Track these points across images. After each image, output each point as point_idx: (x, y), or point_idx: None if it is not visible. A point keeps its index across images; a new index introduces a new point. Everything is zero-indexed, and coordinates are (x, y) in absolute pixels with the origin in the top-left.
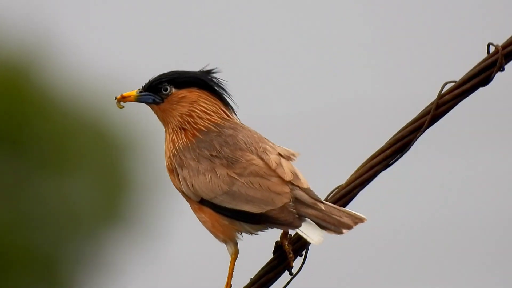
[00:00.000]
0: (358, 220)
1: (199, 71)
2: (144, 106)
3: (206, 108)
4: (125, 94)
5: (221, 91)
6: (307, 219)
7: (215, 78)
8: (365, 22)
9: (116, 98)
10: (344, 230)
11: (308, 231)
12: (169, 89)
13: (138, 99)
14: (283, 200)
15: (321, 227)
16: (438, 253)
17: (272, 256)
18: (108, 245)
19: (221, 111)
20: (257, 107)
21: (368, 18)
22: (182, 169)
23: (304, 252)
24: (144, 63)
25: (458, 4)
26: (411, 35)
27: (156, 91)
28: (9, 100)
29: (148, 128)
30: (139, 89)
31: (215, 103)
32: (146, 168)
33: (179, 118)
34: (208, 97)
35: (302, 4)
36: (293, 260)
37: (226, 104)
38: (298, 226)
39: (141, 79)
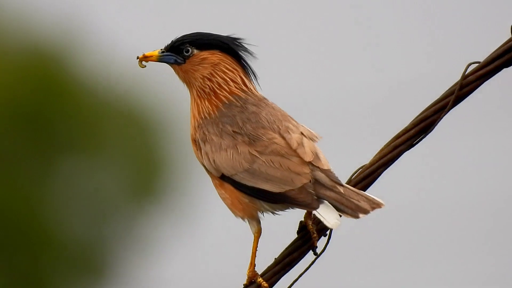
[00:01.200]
0: (375, 205)
1: (224, 35)
2: (172, 84)
3: (227, 73)
4: (147, 53)
5: (244, 57)
6: (325, 201)
7: (240, 44)
8: (391, 2)
9: (138, 58)
10: (360, 215)
11: (325, 213)
12: (190, 50)
13: (160, 59)
14: (302, 181)
15: (338, 210)
16: (462, 233)
17: (296, 236)
18: (141, 225)
19: (240, 78)
20: (281, 84)
21: None
22: (205, 143)
23: (328, 232)
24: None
25: None
26: (436, 15)
27: (178, 51)
28: (40, 84)
29: (178, 108)
30: (161, 49)
31: (236, 69)
32: (177, 147)
33: (200, 80)
34: (230, 62)
35: None
36: (317, 240)
37: (248, 73)
38: (315, 208)
39: None
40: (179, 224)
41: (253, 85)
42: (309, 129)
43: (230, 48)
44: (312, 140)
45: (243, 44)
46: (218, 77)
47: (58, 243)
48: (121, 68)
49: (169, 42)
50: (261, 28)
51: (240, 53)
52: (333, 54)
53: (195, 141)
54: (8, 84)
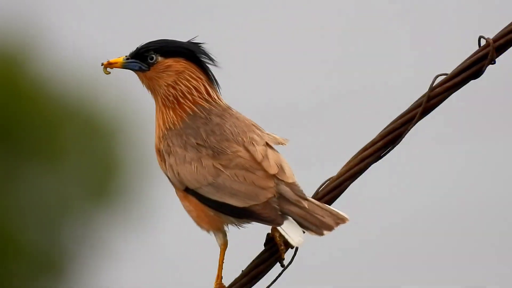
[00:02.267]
0: (340, 220)
1: (188, 42)
2: (134, 89)
3: (190, 81)
4: (111, 60)
5: (207, 65)
6: (290, 217)
7: (204, 51)
8: (359, 11)
9: (102, 64)
10: (325, 232)
11: (289, 230)
12: (155, 57)
13: (125, 65)
14: (266, 195)
15: (303, 226)
16: (428, 245)
17: (263, 248)
18: (101, 229)
19: (204, 87)
20: (247, 93)
21: (362, 7)
22: (169, 155)
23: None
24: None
25: None
26: (403, 27)
27: (143, 59)
28: (0, 91)
29: (138, 112)
30: (126, 56)
31: (200, 78)
32: (136, 152)
33: (165, 88)
34: (194, 70)
35: None
36: (285, 252)
37: (212, 81)
38: (280, 224)
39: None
40: (137, 226)
41: (217, 94)
42: (274, 135)
43: (195, 56)
44: (280, 144)
45: (206, 51)
46: (182, 85)
47: (18, 247)
48: (80, 72)
49: (134, 49)
50: (220, 34)
51: (204, 60)
52: (300, 62)
53: (159, 151)
54: None
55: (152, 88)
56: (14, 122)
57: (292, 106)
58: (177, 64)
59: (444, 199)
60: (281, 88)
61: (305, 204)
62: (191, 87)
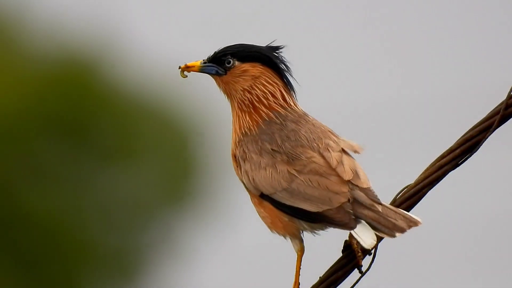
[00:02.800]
0: (412, 223)
1: (266, 47)
2: (211, 91)
3: (267, 86)
4: (189, 64)
5: (285, 71)
6: (363, 220)
7: (281, 56)
8: (434, 15)
9: (180, 68)
10: (397, 234)
11: (361, 233)
12: (232, 61)
13: (202, 69)
14: (340, 200)
15: (375, 229)
16: (508, 251)
17: (341, 254)
18: (178, 231)
19: (280, 92)
20: (323, 99)
21: (438, 11)
22: (244, 162)
23: (373, 251)
24: (207, 50)
25: None
26: (483, 32)
27: (220, 63)
28: (75, 93)
29: (214, 114)
30: (203, 60)
31: (276, 83)
32: (213, 153)
33: (241, 92)
34: (271, 75)
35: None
36: (362, 259)
37: (288, 86)
38: (353, 228)
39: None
40: (215, 228)
41: (293, 100)
42: (350, 142)
43: (272, 61)
44: (355, 152)
45: (283, 57)
46: (258, 90)
47: (93, 248)
48: (155, 74)
49: (212, 53)
50: (299, 40)
51: (281, 66)
52: (378, 69)
53: (235, 157)
54: (44, 93)
55: (228, 92)
56: (91, 124)
57: (372, 111)
58: (254, 69)
59: None
60: (361, 92)
61: (379, 207)
62: (267, 92)
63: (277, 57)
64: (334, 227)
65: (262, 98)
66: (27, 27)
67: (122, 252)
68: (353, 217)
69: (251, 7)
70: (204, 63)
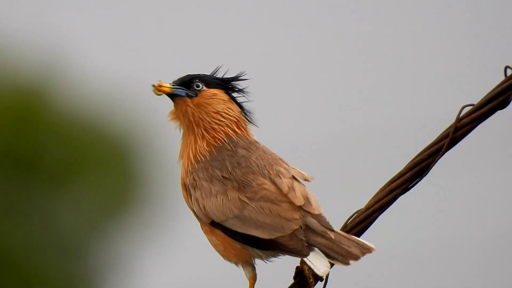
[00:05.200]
0: (366, 250)
1: (226, 77)
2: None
3: (231, 112)
4: (162, 84)
5: (243, 101)
6: (316, 248)
7: (239, 85)
8: (384, 44)
9: (153, 86)
10: (351, 261)
11: (315, 261)
12: (200, 85)
13: (173, 91)
14: (292, 227)
15: (329, 256)
16: (457, 276)
17: (292, 281)
18: (122, 249)
19: (237, 120)
20: (273, 127)
21: (388, 40)
22: (195, 189)
23: (324, 277)
24: (154, 76)
25: (476, 27)
26: (429, 58)
27: (188, 87)
28: (23, 122)
29: (155, 134)
30: (171, 83)
31: (238, 110)
32: (156, 170)
33: (213, 114)
34: (232, 102)
35: (318, 29)
36: (314, 285)
37: (244, 114)
38: (306, 255)
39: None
40: (159, 246)
41: (247, 128)
42: (300, 170)
43: (230, 89)
44: (305, 180)
45: (241, 86)
46: (227, 112)
47: (47, 277)
48: (101, 97)
49: (177, 78)
50: (254, 68)
51: (239, 94)
52: (326, 97)
53: (185, 186)
54: None
55: (195, 115)
56: (38, 150)
57: (318, 139)
58: (221, 94)
59: (472, 230)
60: (306, 123)
61: (331, 235)
62: (231, 117)
63: (236, 86)
64: (287, 254)
65: (228, 123)
66: None
67: (75, 276)
68: (306, 244)
69: (204, 34)
70: (173, 85)
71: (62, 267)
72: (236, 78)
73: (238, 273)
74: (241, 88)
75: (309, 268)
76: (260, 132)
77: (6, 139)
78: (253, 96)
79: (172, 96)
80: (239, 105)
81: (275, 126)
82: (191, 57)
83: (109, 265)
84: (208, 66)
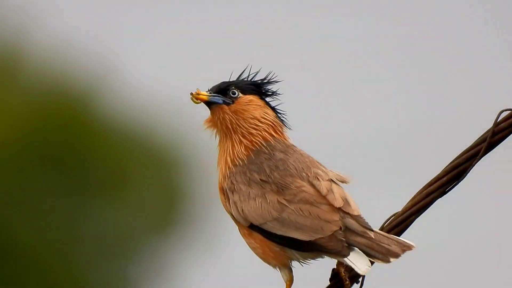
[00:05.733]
0: (406, 248)
1: (260, 81)
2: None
3: (269, 116)
4: (200, 92)
5: (276, 107)
6: (356, 248)
7: (273, 90)
8: (423, 46)
9: (191, 94)
10: (391, 259)
11: (355, 260)
12: (236, 92)
13: (210, 99)
14: (332, 228)
15: (369, 255)
16: (498, 278)
17: (328, 283)
18: (166, 261)
19: (273, 124)
20: (308, 129)
21: (427, 40)
22: (233, 193)
23: (360, 279)
24: (193, 84)
25: None
26: (468, 60)
27: (224, 94)
28: (67, 125)
29: (199, 144)
30: (208, 91)
31: (273, 115)
32: (200, 182)
33: (250, 120)
34: (267, 107)
35: (353, 30)
36: (350, 287)
37: (279, 118)
38: (346, 255)
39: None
40: (202, 257)
41: (283, 132)
42: (338, 172)
43: (264, 93)
44: (343, 182)
45: (274, 91)
46: (264, 118)
47: (85, 283)
48: (146, 107)
49: (213, 86)
50: (286, 69)
51: (272, 98)
52: (362, 96)
53: (222, 190)
54: (36, 124)
55: (233, 121)
56: (82, 156)
57: (359, 140)
58: (257, 99)
59: (508, 233)
60: (348, 121)
61: (371, 234)
62: (269, 122)
63: (269, 90)
64: (327, 255)
65: (262, 128)
66: (22, 58)
67: (112, 284)
68: (346, 244)
69: (242, 43)
70: (210, 92)
71: (97, 272)
72: (268, 81)
73: (276, 276)
74: (274, 91)
75: (345, 270)
76: (294, 133)
77: (52, 143)
78: (286, 95)
79: (209, 103)
80: (273, 109)
81: (308, 126)
82: (228, 60)
83: (150, 274)
84: (240, 68)
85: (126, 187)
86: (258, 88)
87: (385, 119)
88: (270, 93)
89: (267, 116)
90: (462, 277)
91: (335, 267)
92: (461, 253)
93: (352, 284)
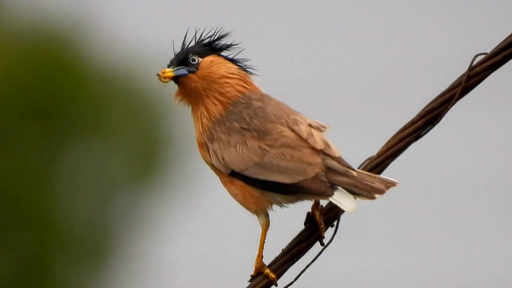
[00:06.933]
0: (390, 184)
1: (212, 40)
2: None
3: (233, 69)
4: (165, 70)
5: (238, 60)
6: (339, 187)
7: (228, 44)
8: None
9: (158, 75)
10: (376, 195)
11: (341, 199)
12: (196, 59)
13: (176, 73)
14: (315, 170)
15: (353, 193)
16: (471, 217)
17: (303, 227)
18: (147, 205)
19: (242, 75)
20: (279, 75)
21: None
22: (212, 142)
23: (335, 223)
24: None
25: None
26: (443, 5)
27: (186, 64)
28: (48, 68)
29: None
30: (171, 67)
31: (236, 67)
32: (183, 127)
33: (220, 81)
34: (229, 62)
35: None
36: (325, 231)
37: (245, 70)
38: (330, 195)
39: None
40: (183, 203)
41: (252, 82)
42: (315, 120)
43: (221, 50)
44: (320, 131)
45: (229, 44)
46: (233, 74)
47: (63, 225)
48: (128, 51)
49: (172, 59)
50: (251, 12)
51: (231, 52)
52: (336, 40)
53: (202, 145)
54: (17, 68)
55: (204, 86)
56: (62, 99)
57: (331, 85)
58: (216, 58)
59: (481, 178)
60: (319, 65)
61: (354, 173)
62: (236, 75)
63: (223, 45)
64: (311, 197)
65: (233, 83)
66: (2, 1)
67: (91, 226)
68: (329, 185)
69: None
70: (173, 68)
71: (76, 214)
72: (219, 37)
73: (253, 222)
74: (229, 44)
75: (320, 214)
76: (262, 79)
77: (30, 86)
78: (251, 42)
79: (176, 78)
80: (234, 61)
81: (277, 70)
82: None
83: (128, 220)
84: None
85: (107, 132)
86: (212, 47)
87: (359, 63)
88: (225, 47)
89: (232, 70)
90: (436, 220)
91: (310, 211)
92: (435, 196)
93: (327, 227)
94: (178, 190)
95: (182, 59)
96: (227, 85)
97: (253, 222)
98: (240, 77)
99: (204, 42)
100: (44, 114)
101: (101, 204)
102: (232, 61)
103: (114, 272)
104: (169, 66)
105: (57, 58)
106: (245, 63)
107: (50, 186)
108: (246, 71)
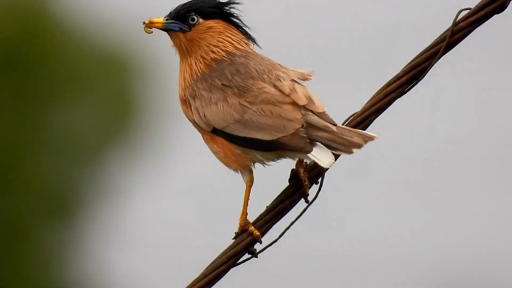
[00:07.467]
0: (368, 138)
1: (222, 2)
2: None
3: (232, 40)
4: (153, 20)
5: (242, 25)
6: (318, 143)
7: (236, 11)
8: None
9: (144, 23)
10: (354, 150)
11: (318, 154)
12: (196, 18)
13: (166, 26)
14: (294, 126)
15: (331, 148)
16: (452, 176)
17: (287, 184)
18: (117, 169)
19: (244, 44)
20: (269, 31)
21: None
22: (194, 99)
23: (319, 180)
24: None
25: None
26: None
27: (183, 20)
28: (20, 29)
29: (159, 54)
30: (165, 17)
31: (238, 35)
32: (157, 92)
33: (205, 48)
34: (232, 30)
35: None
36: (309, 188)
37: (248, 37)
38: (309, 151)
39: (155, 11)
40: (158, 168)
41: (248, 43)
42: (300, 71)
43: (229, 16)
44: (306, 80)
45: (236, 9)
46: (222, 43)
47: (34, 185)
48: (103, 13)
49: (173, 9)
50: None
51: (238, 21)
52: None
53: (184, 101)
54: None
55: (189, 49)
56: (31, 60)
57: (317, 40)
58: (218, 25)
59: (467, 133)
60: (301, 23)
61: (333, 128)
62: (232, 41)
63: (233, 11)
64: (290, 154)
65: (222, 47)
66: None
67: (60, 188)
68: (308, 141)
69: None
70: (167, 20)
71: (45, 176)
72: (231, 2)
73: (237, 179)
74: (237, 14)
75: (305, 171)
76: (258, 36)
77: (3, 46)
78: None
79: (166, 31)
80: (238, 27)
81: (266, 29)
82: None
83: (97, 185)
84: None
85: (79, 93)
86: (222, 11)
87: (343, 20)
88: (234, 14)
89: (224, 43)
90: (421, 177)
91: (294, 168)
92: (419, 153)
93: (311, 184)
94: (150, 151)
95: (181, 14)
96: (212, 53)
97: (238, 180)
98: (231, 43)
99: (213, 3)
100: (15, 74)
101: (72, 165)
102: (237, 27)
103: (84, 231)
104: (165, 17)
105: (29, 18)
106: (250, 34)
107: (21, 147)
108: (249, 38)
